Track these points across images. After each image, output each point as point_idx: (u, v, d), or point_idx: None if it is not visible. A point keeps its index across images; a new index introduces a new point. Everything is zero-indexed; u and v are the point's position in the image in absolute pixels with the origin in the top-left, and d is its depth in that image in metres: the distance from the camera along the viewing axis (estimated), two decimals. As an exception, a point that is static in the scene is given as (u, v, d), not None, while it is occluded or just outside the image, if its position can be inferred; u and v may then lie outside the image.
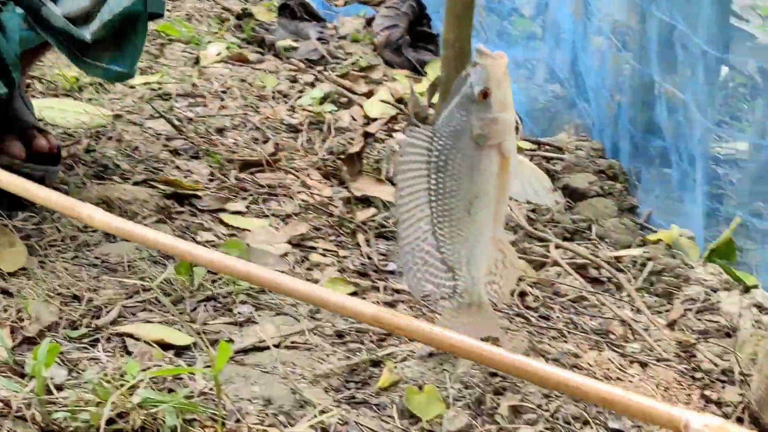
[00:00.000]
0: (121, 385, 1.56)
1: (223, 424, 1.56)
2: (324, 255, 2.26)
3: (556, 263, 2.36)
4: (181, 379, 1.69)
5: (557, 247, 2.44)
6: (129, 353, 1.76)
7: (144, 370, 1.64)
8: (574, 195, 2.83)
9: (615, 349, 1.99)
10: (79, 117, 2.69)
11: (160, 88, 3.06)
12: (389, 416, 1.67)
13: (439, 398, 1.70)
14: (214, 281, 2.01)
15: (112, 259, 2.05)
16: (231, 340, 1.83)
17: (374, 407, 1.69)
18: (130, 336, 1.81)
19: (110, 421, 1.51)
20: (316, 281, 2.10)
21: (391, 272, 2.21)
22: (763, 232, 2.72)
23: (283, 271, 2.04)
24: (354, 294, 2.07)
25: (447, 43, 2.94)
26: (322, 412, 1.63)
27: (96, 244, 2.09)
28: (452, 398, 1.72)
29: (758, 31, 3.11)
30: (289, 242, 2.27)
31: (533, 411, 1.71)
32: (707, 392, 1.87)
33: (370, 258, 2.26)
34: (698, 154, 2.80)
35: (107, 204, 2.21)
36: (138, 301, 1.93)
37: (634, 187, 2.97)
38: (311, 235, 2.33)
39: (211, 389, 1.65)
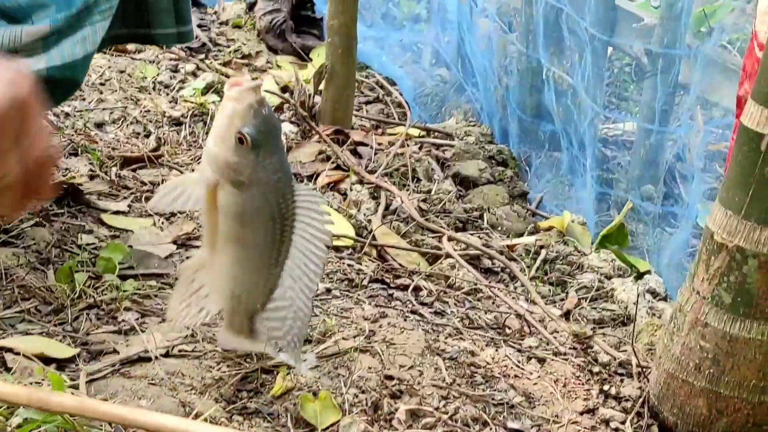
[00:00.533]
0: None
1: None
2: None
3: (449, 255, 2.32)
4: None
5: (450, 239, 2.40)
6: (8, 369, 1.67)
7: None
8: (464, 183, 2.79)
9: (512, 344, 1.96)
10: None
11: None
12: (283, 425, 1.61)
13: (334, 405, 1.65)
14: (96, 287, 1.93)
15: (-15, 267, 1.95)
16: (116, 351, 1.75)
17: (267, 417, 1.62)
18: (10, 350, 1.72)
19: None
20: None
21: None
22: (653, 215, 2.72)
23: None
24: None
25: (332, 29, 2.89)
26: (213, 424, 1.56)
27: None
28: (348, 404, 1.66)
29: (643, 12, 3.11)
30: (174, 242, 2.19)
31: (431, 414, 1.67)
32: (606, 387, 1.84)
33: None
34: (588, 138, 2.80)
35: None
36: (16, 312, 1.84)
37: (524, 173, 2.95)
38: (198, 234, 2.25)
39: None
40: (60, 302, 1.88)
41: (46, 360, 1.70)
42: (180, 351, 1.78)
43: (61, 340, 1.77)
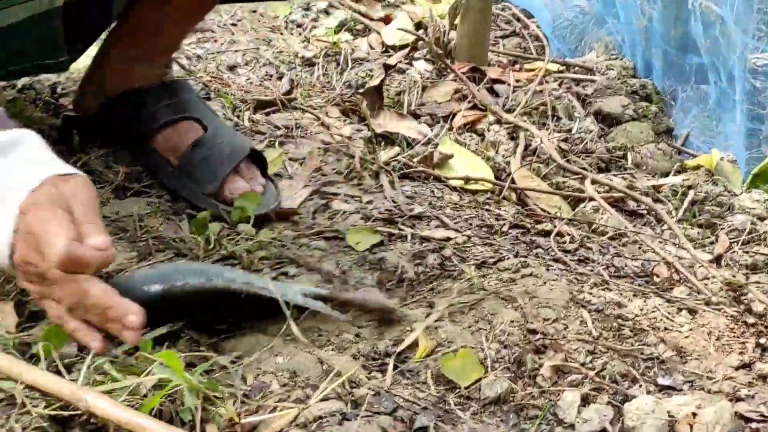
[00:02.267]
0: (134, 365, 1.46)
1: (245, 402, 1.44)
2: (346, 201, 2.13)
3: (591, 198, 2.23)
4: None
5: (593, 182, 2.30)
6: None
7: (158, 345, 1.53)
8: (606, 120, 2.68)
9: (661, 294, 1.87)
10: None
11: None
12: (424, 382, 1.56)
13: (476, 361, 1.59)
14: (231, 238, 1.89)
15: (122, 218, 1.93)
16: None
17: (407, 374, 1.57)
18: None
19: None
20: (337, 232, 1.98)
21: (418, 217, 2.09)
22: (809, 152, 2.57)
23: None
24: (380, 244, 1.96)
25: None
26: (352, 382, 1.51)
27: (104, 203, 1.97)
28: (490, 360, 1.60)
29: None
30: (307, 186, 2.15)
31: (578, 370, 1.59)
32: (762, 340, 1.74)
33: (395, 202, 2.13)
34: (737, 70, 2.65)
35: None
36: (151, 264, 1.81)
37: (669, 108, 2.82)
38: (332, 179, 2.20)
39: (232, 362, 1.54)
40: (194, 253, 1.85)
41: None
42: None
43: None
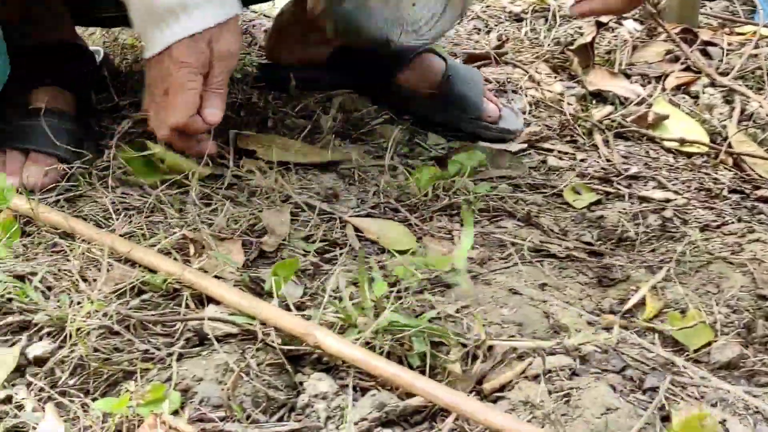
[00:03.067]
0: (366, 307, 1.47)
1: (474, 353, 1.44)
2: (560, 158, 2.11)
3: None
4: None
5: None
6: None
7: (393, 286, 1.54)
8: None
9: None
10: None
11: None
12: (651, 343, 1.53)
13: (705, 325, 1.55)
14: (447, 189, 1.89)
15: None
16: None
17: (634, 334, 1.54)
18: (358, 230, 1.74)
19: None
20: (554, 188, 1.96)
21: (634, 177, 2.05)
22: None
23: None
24: (598, 202, 1.93)
25: None
26: (579, 341, 1.49)
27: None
28: (720, 325, 1.56)
29: None
30: (525, 142, 2.13)
31: (813, 339, 1.54)
32: None
33: (609, 161, 2.10)
34: None
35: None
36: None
37: None
38: (545, 135, 2.17)
39: (457, 311, 1.54)
40: (413, 202, 1.86)
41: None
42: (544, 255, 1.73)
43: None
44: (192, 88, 1.67)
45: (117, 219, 1.71)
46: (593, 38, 2.49)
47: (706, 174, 2.11)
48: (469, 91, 2.15)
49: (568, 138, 2.18)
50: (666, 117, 2.28)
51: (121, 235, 1.65)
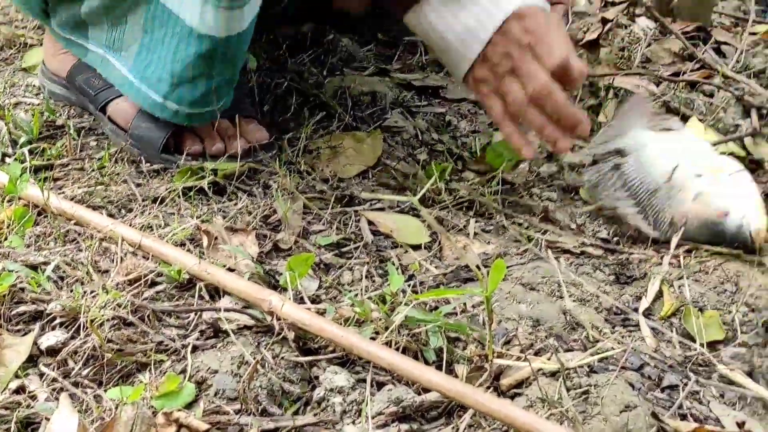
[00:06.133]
0: (383, 301, 1.46)
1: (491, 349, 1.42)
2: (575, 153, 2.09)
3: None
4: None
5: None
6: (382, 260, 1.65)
7: (408, 280, 1.53)
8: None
9: None
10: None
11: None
12: (668, 341, 1.51)
13: (719, 324, 1.54)
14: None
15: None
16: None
17: (652, 331, 1.53)
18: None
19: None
20: (570, 184, 1.95)
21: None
22: None
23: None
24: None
25: None
26: (597, 338, 1.48)
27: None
28: (738, 323, 1.55)
29: None
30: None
31: (831, 340, 1.53)
32: None
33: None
34: None
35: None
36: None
37: None
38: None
39: (473, 306, 1.52)
40: (427, 195, 1.84)
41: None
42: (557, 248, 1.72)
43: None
44: (559, 28, 1.70)
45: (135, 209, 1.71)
46: (599, 35, 2.48)
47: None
48: None
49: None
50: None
51: (134, 226, 1.64)
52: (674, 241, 1.72)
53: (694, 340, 1.51)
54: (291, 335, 1.39)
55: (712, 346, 1.51)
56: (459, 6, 1.67)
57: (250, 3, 1.67)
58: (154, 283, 1.52)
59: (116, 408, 1.25)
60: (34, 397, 1.29)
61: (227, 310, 1.43)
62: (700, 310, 1.56)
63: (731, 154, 2.12)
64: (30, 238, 1.61)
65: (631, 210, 1.78)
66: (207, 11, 1.65)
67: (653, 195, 1.78)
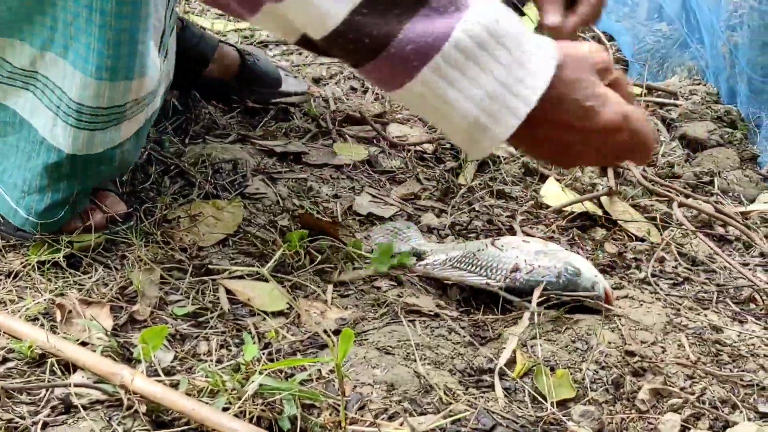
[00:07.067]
0: (237, 371, 1.46)
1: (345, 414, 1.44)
2: (438, 216, 2.13)
3: (680, 223, 2.21)
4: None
5: (680, 205, 2.28)
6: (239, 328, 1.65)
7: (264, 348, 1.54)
8: (692, 145, 2.66)
9: (756, 321, 1.85)
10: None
11: (252, 36, 2.92)
12: (521, 401, 1.54)
13: (569, 381, 1.57)
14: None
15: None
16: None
17: (505, 391, 1.56)
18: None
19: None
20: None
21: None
22: None
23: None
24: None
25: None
26: (450, 401, 1.50)
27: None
28: (588, 381, 1.58)
29: None
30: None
31: (677, 395, 1.57)
32: None
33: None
34: (826, 99, 2.63)
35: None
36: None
37: (753, 135, 2.79)
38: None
39: (329, 372, 1.53)
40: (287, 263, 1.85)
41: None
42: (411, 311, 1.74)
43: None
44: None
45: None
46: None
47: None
48: (268, 66, 2.44)
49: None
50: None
51: (-15, 302, 1.62)
52: (536, 293, 1.75)
53: (546, 399, 1.54)
54: (143, 409, 1.38)
55: (563, 404, 1.54)
56: None
57: (106, 131, 1.67)
58: (5, 360, 1.50)
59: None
60: None
61: (78, 385, 1.42)
62: (552, 369, 1.59)
63: (587, 213, 2.18)
64: None
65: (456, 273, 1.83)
66: (57, 125, 1.65)
67: (479, 252, 1.83)
